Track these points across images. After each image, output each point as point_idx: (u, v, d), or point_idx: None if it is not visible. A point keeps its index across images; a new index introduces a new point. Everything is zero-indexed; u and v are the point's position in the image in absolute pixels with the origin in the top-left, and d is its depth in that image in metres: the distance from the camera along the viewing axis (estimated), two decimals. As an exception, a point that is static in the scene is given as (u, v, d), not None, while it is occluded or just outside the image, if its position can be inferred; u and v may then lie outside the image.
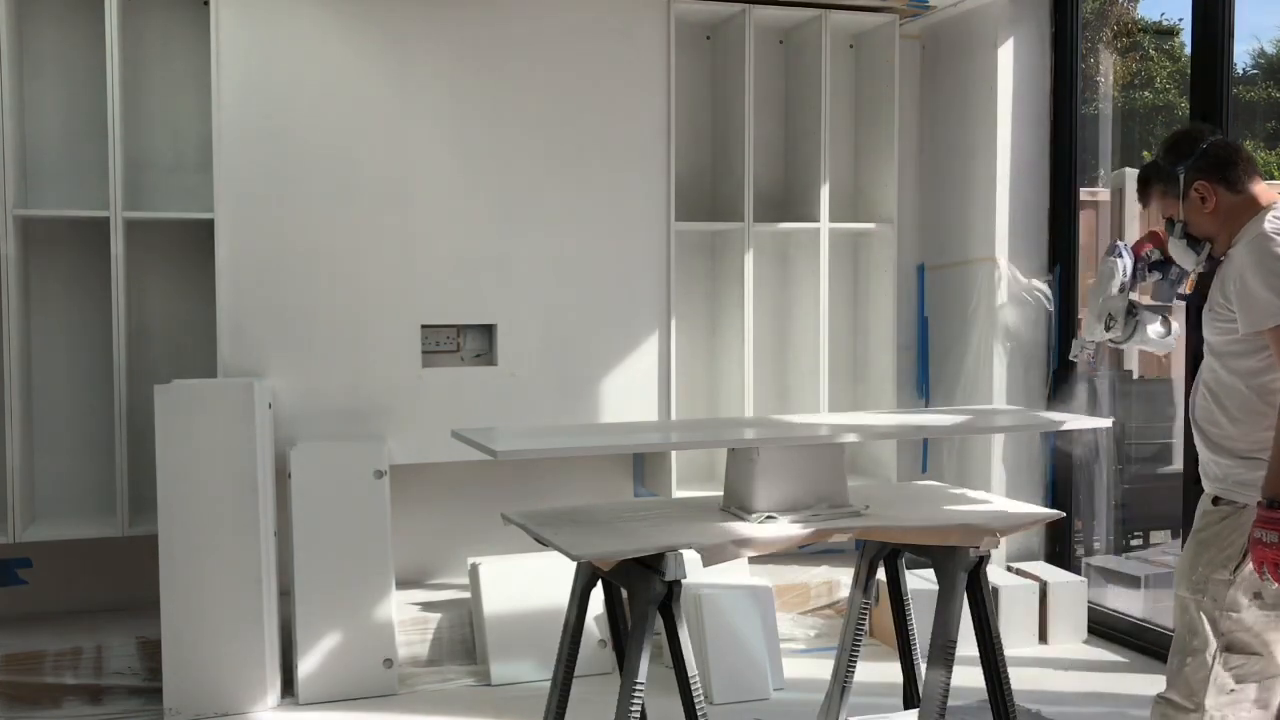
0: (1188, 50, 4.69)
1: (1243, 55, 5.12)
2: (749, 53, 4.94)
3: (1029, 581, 4.83)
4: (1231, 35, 4.20)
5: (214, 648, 3.98)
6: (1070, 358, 3.34)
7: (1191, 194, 2.82)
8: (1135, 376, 5.46)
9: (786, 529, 2.99)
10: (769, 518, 3.03)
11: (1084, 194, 5.21)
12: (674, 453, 4.87)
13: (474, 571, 4.47)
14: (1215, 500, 2.79)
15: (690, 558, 2.80)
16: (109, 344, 4.30)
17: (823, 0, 5.04)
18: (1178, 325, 3.19)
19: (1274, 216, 2.71)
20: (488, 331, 4.69)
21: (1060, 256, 5.08)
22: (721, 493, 3.24)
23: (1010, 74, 5.04)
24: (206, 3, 4.30)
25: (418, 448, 4.49)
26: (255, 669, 4.03)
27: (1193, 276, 3.13)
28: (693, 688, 2.84)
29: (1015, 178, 5.06)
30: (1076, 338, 3.30)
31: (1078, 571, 5.05)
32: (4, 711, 4.02)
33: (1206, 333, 2.84)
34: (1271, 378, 2.68)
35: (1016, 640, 4.60)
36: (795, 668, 4.45)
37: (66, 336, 4.48)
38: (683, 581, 2.78)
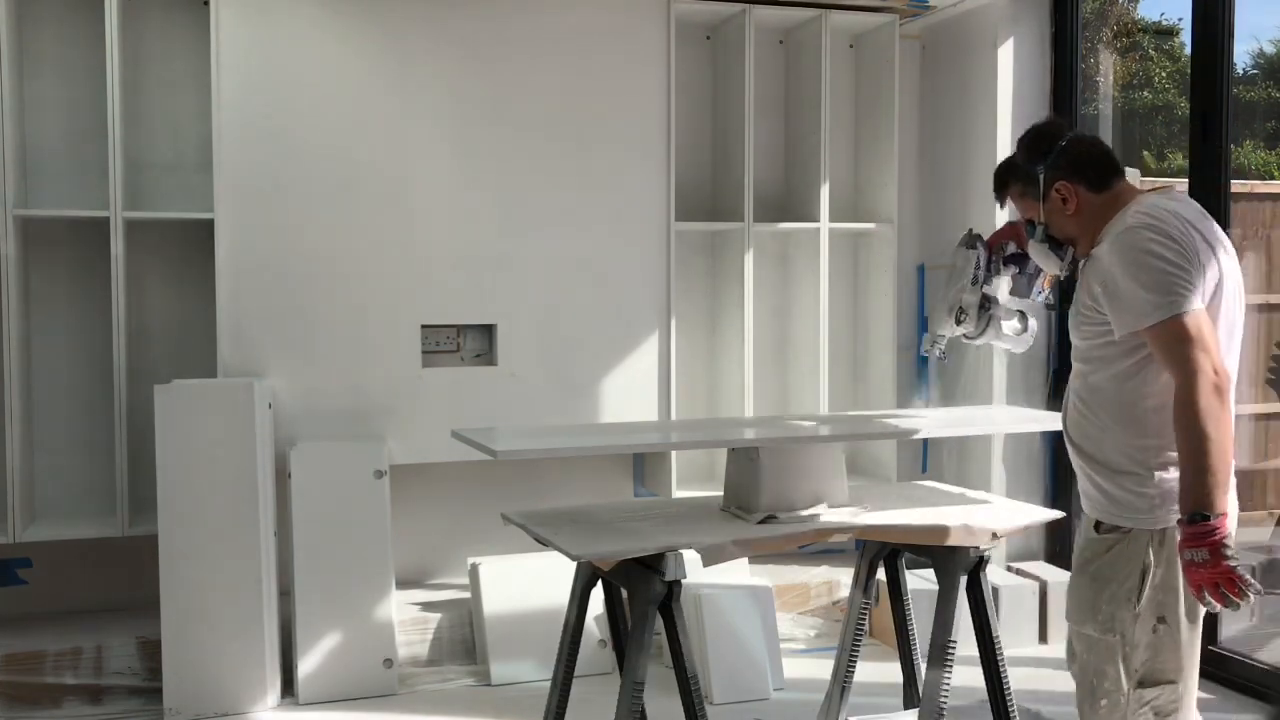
0: (1188, 50, 4.69)
1: (1243, 55, 5.12)
2: (749, 53, 4.94)
3: (1029, 581, 4.83)
4: (1231, 35, 4.19)
5: (214, 648, 3.98)
6: (922, 353, 3.17)
7: (1052, 195, 2.64)
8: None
9: (786, 529, 2.99)
10: (769, 518, 3.03)
11: (1084, 194, 5.20)
12: (674, 453, 4.88)
13: (474, 571, 4.47)
14: (1097, 525, 2.58)
15: (690, 558, 2.80)
16: (109, 344, 4.30)
17: (823, 0, 5.04)
18: (1035, 323, 3.10)
19: (1138, 211, 2.51)
20: (488, 331, 4.69)
21: (1060, 256, 5.08)
22: (721, 493, 3.25)
23: (1010, 74, 5.04)
24: (206, 3, 4.30)
25: (418, 448, 4.49)
26: (255, 669, 4.03)
27: (1051, 274, 2.98)
28: (693, 688, 2.84)
29: (1015, 178, 5.05)
30: (927, 332, 3.14)
31: (1078, 571, 5.04)
32: (4, 711, 4.02)
33: (1073, 337, 2.65)
34: (1144, 380, 2.48)
35: (1016, 640, 4.60)
36: (795, 668, 4.45)
37: (66, 336, 4.48)
38: (683, 581, 2.78)
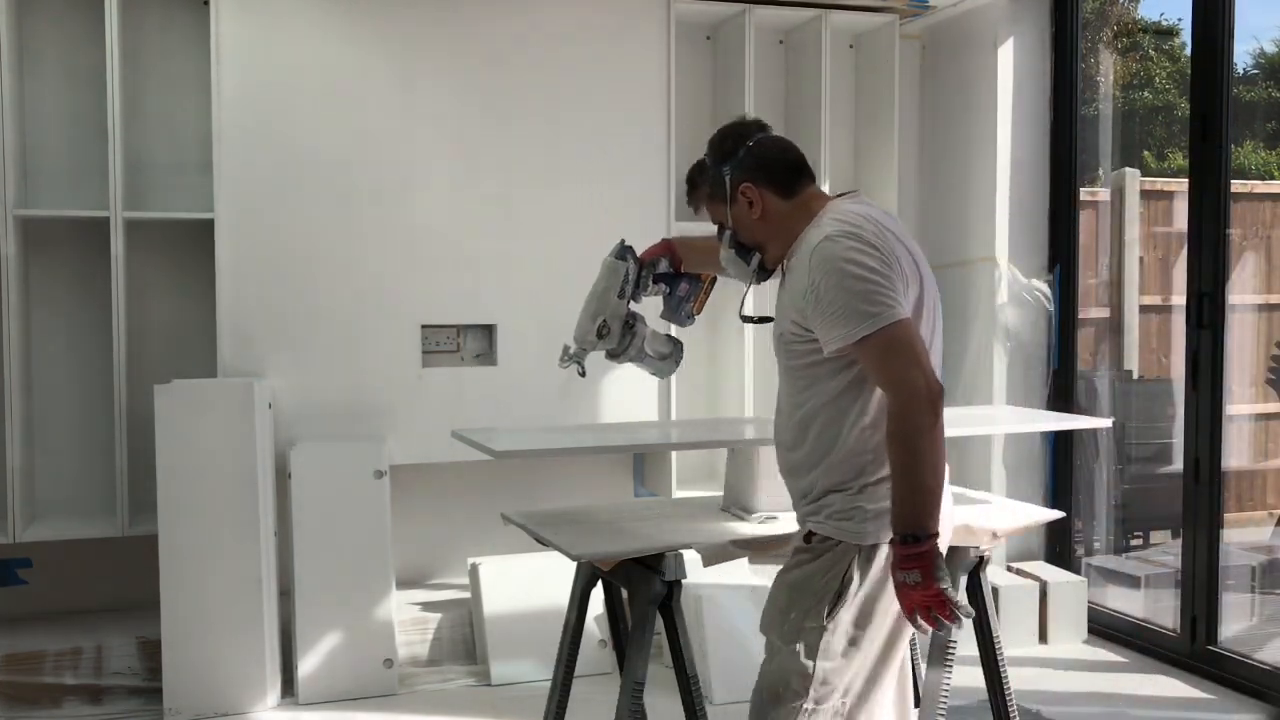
0: (1188, 50, 4.69)
1: (1243, 55, 5.11)
2: (749, 53, 4.94)
3: (1029, 581, 4.83)
4: (1231, 35, 4.20)
5: (214, 648, 3.98)
6: (559, 365, 2.98)
7: (738, 198, 2.50)
8: (1135, 376, 5.47)
9: (787, 529, 2.99)
10: (769, 518, 3.03)
11: (1084, 194, 5.21)
12: (674, 453, 4.87)
13: (474, 571, 4.47)
14: (808, 536, 2.46)
15: (690, 558, 2.80)
16: (109, 344, 4.30)
17: (823, 0, 5.04)
18: (681, 349, 2.96)
19: (834, 218, 2.38)
20: (488, 331, 4.69)
21: (1060, 256, 5.09)
22: (721, 493, 3.25)
23: (1010, 74, 5.04)
24: (206, 2, 4.30)
25: (418, 448, 4.49)
26: (255, 669, 4.03)
27: (702, 297, 2.91)
28: (693, 688, 2.84)
29: (1015, 177, 5.06)
30: (567, 344, 2.96)
31: (1078, 571, 5.05)
32: (4, 711, 4.02)
33: (779, 357, 2.51)
34: (857, 397, 2.37)
35: (1016, 640, 4.60)
36: (795, 668, 4.44)
37: (67, 336, 4.48)
38: (683, 581, 2.78)
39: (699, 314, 2.95)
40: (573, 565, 3.03)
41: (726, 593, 4.37)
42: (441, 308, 4.59)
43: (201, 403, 4.02)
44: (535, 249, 4.66)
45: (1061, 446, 5.10)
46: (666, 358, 2.94)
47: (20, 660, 4.09)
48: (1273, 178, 5.44)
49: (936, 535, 2.26)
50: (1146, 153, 5.79)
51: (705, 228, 5.26)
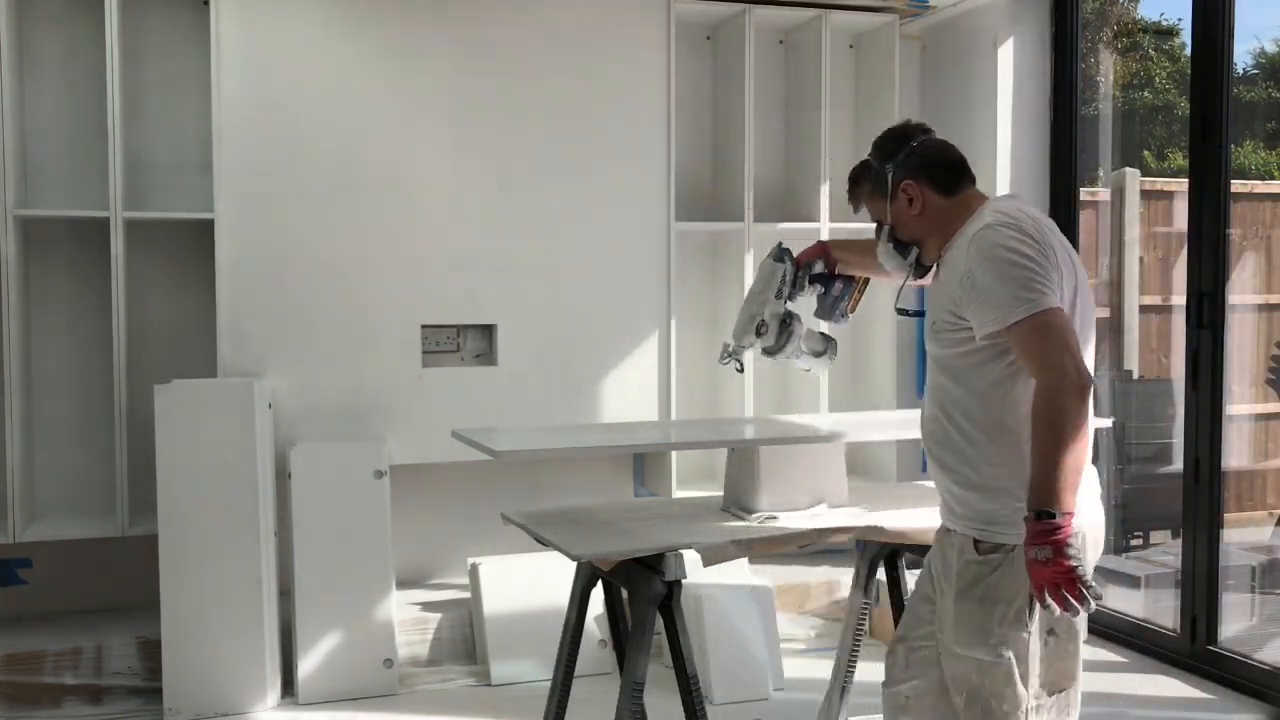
0: (1188, 50, 4.69)
1: (1243, 55, 5.12)
2: (749, 53, 4.94)
3: (1029, 581, 4.82)
4: (1231, 35, 4.19)
5: (214, 648, 3.98)
6: (719, 362, 3.09)
7: (899, 194, 2.59)
8: (1135, 376, 5.47)
9: (786, 529, 2.99)
10: (769, 518, 3.03)
11: (1084, 194, 5.21)
12: (674, 453, 4.87)
13: (474, 571, 4.47)
14: (977, 545, 2.48)
15: (690, 558, 2.80)
16: (109, 344, 4.30)
17: (823, 0, 5.04)
18: (835, 347, 3.09)
19: (995, 210, 2.47)
20: (488, 331, 4.69)
21: (1060, 256, 5.07)
22: (721, 493, 3.25)
23: (1010, 74, 5.04)
24: (206, 2, 4.31)
25: (418, 448, 4.49)
26: (255, 669, 4.03)
27: (855, 296, 3.05)
28: (693, 688, 2.84)
29: (1015, 178, 5.06)
30: (726, 341, 3.07)
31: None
32: (4, 711, 4.02)
33: (932, 348, 2.58)
34: (1013, 387, 2.41)
35: (1016, 640, 4.59)
36: (795, 668, 4.45)
37: (67, 336, 4.48)
38: (683, 581, 2.78)
39: (853, 313, 3.08)
40: (573, 565, 3.03)
41: (726, 593, 4.36)
42: (441, 308, 4.60)
43: (201, 403, 4.02)
44: (535, 249, 4.66)
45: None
46: (821, 354, 3.07)
47: (20, 660, 4.09)
48: (1273, 178, 5.44)
49: (1071, 514, 2.28)
50: (1146, 153, 5.80)
51: (708, 227, 5.27)
